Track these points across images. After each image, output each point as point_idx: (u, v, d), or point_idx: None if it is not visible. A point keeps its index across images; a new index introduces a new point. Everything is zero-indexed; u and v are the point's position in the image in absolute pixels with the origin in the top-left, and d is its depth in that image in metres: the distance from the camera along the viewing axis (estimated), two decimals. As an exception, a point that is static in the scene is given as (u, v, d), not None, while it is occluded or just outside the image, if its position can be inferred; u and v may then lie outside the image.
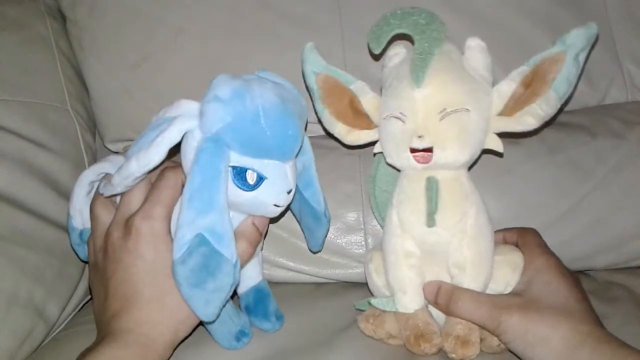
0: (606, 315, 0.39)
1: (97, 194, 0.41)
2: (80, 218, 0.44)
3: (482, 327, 0.39)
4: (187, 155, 0.36)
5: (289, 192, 0.38)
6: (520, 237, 0.43)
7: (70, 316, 0.50)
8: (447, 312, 0.40)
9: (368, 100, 0.43)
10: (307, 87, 0.45)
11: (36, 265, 0.44)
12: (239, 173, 0.36)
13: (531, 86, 0.39)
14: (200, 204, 0.34)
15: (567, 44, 0.38)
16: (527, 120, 0.39)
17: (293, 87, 0.39)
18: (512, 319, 0.37)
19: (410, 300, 0.41)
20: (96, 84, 0.57)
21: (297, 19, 0.55)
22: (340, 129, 0.44)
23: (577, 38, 0.38)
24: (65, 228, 0.47)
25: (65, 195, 0.49)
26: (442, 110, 0.38)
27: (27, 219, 0.45)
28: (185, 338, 0.39)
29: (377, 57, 0.43)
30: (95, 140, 0.59)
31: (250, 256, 0.40)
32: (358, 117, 0.43)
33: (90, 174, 0.43)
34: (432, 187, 0.39)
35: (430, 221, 0.39)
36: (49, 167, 0.49)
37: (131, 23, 0.55)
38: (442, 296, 0.40)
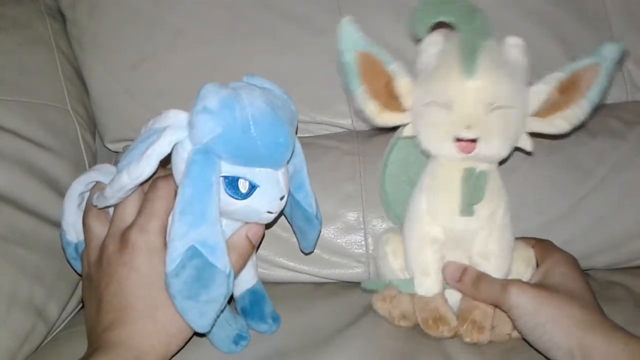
0: (607, 314, 0.39)
1: (89, 206, 0.41)
2: (74, 231, 0.43)
3: (495, 304, 0.40)
4: (178, 166, 0.36)
5: (281, 199, 0.38)
6: (537, 243, 0.44)
7: (70, 316, 0.50)
8: (469, 291, 0.41)
9: (404, 84, 0.42)
10: (340, 64, 0.43)
11: (36, 265, 0.44)
12: (231, 182, 0.36)
13: (567, 92, 0.41)
14: (192, 216, 0.34)
15: (603, 57, 0.40)
16: (561, 123, 0.41)
17: (282, 92, 0.39)
18: (524, 294, 0.38)
19: (432, 284, 0.41)
20: (96, 84, 0.57)
21: (297, 19, 0.55)
22: (373, 108, 0.43)
23: (610, 52, 0.40)
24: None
25: (65, 195, 0.49)
26: (491, 103, 0.39)
27: (27, 219, 0.45)
28: (178, 351, 0.38)
29: (416, 41, 0.43)
30: (95, 140, 0.59)
31: (242, 268, 0.40)
32: (390, 99, 0.43)
33: (79, 186, 0.42)
34: (480, 178, 0.40)
35: (469, 211, 0.40)
36: (49, 167, 0.49)
37: (131, 23, 0.55)
38: (467, 276, 0.41)
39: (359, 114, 0.45)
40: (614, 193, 0.50)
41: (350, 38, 0.42)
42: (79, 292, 0.50)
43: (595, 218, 0.50)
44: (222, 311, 0.38)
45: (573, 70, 0.40)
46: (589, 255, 0.51)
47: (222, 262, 0.35)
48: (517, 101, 0.40)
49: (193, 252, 0.34)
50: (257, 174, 0.36)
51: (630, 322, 0.43)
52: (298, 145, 0.42)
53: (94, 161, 0.56)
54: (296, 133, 0.40)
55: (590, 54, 0.40)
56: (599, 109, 0.41)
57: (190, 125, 0.35)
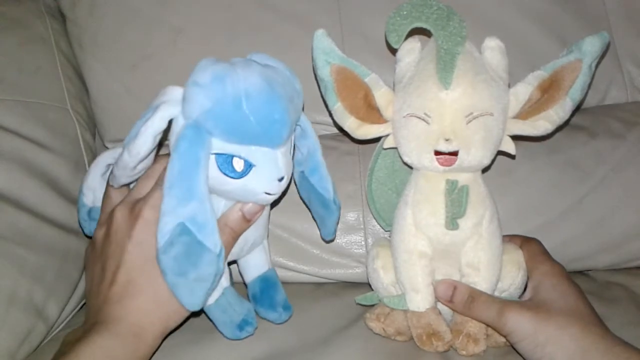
0: (606, 315, 0.39)
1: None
2: (92, 196, 0.44)
3: (491, 327, 0.39)
4: (173, 141, 0.36)
5: (280, 180, 0.37)
6: (525, 245, 0.43)
7: (70, 316, 0.50)
8: (461, 311, 0.40)
9: (382, 95, 0.41)
10: (317, 78, 0.43)
11: (36, 265, 0.44)
12: (225, 160, 0.35)
13: (548, 92, 0.40)
14: (180, 192, 0.34)
15: (583, 52, 0.39)
16: (543, 125, 0.40)
17: (286, 68, 0.37)
18: (522, 318, 0.37)
19: (422, 300, 0.41)
20: (96, 84, 0.57)
21: (297, 19, 0.55)
22: (351, 123, 0.42)
23: (592, 46, 0.39)
24: (65, 227, 0.47)
25: (65, 195, 0.49)
26: (469, 113, 0.38)
27: (27, 219, 0.45)
28: (174, 330, 0.38)
29: (392, 50, 0.42)
30: (95, 140, 0.59)
31: (233, 243, 0.39)
32: (369, 110, 0.42)
33: (108, 157, 0.43)
34: (462, 192, 0.39)
35: (454, 224, 0.39)
36: (49, 167, 0.49)
37: (131, 23, 0.55)
38: (459, 296, 0.40)
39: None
40: (614, 193, 0.50)
41: (324, 51, 0.41)
42: (78, 292, 0.49)
43: (595, 218, 0.50)
44: (223, 293, 0.38)
45: (555, 68, 0.40)
46: (589, 255, 0.51)
47: (212, 240, 0.34)
48: (497, 107, 0.39)
49: (182, 229, 0.34)
50: (253, 152, 0.35)
51: (630, 323, 0.43)
52: (310, 127, 0.41)
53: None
54: (303, 109, 0.39)
55: (571, 49, 0.40)
56: (579, 107, 0.40)
57: (183, 99, 0.35)
